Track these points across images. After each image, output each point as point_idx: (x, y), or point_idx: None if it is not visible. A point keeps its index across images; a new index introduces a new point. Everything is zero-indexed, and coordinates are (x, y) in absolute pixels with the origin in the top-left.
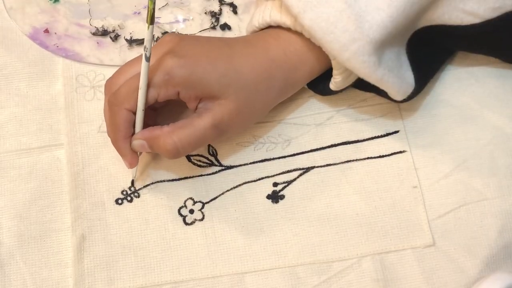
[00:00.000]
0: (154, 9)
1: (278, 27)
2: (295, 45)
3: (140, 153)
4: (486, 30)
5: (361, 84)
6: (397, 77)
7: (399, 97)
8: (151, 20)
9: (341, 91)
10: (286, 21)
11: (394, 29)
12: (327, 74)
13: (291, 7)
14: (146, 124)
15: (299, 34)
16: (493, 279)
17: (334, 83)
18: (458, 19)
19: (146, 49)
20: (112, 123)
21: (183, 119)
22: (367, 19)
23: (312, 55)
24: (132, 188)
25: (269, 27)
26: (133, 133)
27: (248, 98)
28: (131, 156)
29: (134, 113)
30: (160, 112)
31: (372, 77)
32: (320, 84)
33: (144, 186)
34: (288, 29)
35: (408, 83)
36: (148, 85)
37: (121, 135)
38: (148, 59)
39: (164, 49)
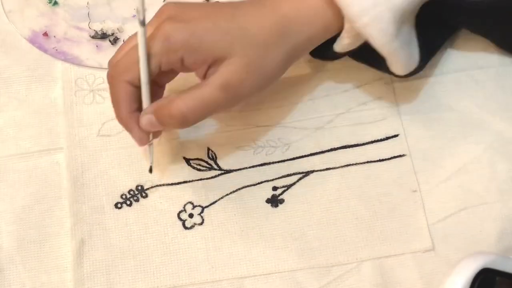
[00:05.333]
0: None
1: None
2: (310, 1)
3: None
4: (492, 7)
5: (357, 54)
6: (408, 51)
7: (402, 72)
8: None
9: (340, 57)
10: None
11: None
12: (330, 38)
13: None
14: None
15: None
16: (467, 261)
17: (341, 45)
18: None
19: (138, 12)
20: (113, 98)
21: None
22: None
23: (329, 9)
24: (132, 192)
25: None
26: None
27: (257, 56)
28: (139, 131)
29: (136, 86)
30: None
31: (386, 47)
32: (321, 46)
33: (144, 190)
34: None
35: (414, 58)
36: (149, 55)
37: (124, 109)
38: (143, 23)
39: (163, 17)
